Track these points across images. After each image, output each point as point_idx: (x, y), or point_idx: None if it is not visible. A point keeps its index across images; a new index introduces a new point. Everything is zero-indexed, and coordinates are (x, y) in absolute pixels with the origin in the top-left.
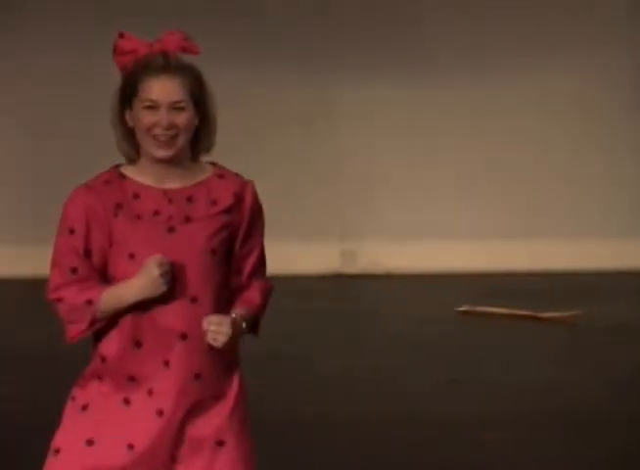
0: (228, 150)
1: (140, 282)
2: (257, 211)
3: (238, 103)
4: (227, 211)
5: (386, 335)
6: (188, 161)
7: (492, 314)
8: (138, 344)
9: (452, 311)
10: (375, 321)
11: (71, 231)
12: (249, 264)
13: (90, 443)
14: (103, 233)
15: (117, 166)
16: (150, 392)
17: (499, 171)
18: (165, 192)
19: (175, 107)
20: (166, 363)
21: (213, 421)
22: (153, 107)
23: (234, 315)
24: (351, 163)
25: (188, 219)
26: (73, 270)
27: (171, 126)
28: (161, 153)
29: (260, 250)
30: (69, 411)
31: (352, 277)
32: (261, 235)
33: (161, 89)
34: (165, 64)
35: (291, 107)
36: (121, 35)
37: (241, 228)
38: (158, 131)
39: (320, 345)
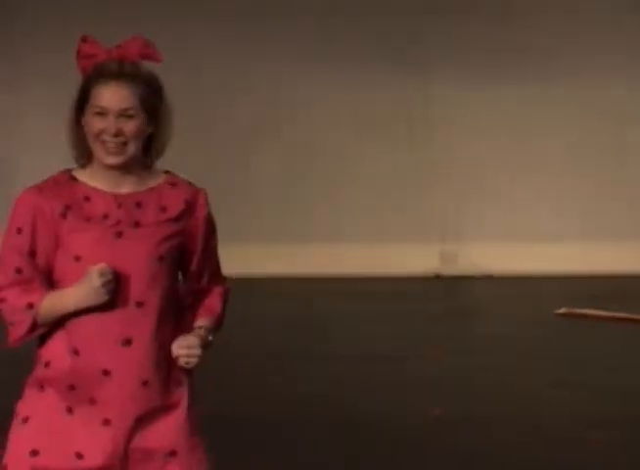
0: (324, 152)
1: (81, 291)
2: (210, 218)
3: (336, 105)
4: (176, 219)
5: (485, 336)
6: (140, 167)
7: (592, 317)
8: (76, 351)
9: (551, 313)
10: (474, 323)
11: (19, 231)
12: (207, 271)
13: (35, 453)
14: (49, 235)
15: (69, 170)
16: (92, 401)
17: (601, 173)
18: (116, 196)
19: (124, 114)
20: (106, 372)
21: (164, 432)
22: (102, 113)
23: (201, 331)
24: (451, 165)
25: (137, 225)
26: (18, 271)
27: (119, 133)
28: (111, 159)
29: (216, 254)
30: (13, 427)
31: (452, 279)
32: (216, 240)
33: (111, 96)
34: (119, 71)
35: (389, 110)
36: (84, 39)
37: (196, 236)
38: (106, 138)
39: (420, 346)
